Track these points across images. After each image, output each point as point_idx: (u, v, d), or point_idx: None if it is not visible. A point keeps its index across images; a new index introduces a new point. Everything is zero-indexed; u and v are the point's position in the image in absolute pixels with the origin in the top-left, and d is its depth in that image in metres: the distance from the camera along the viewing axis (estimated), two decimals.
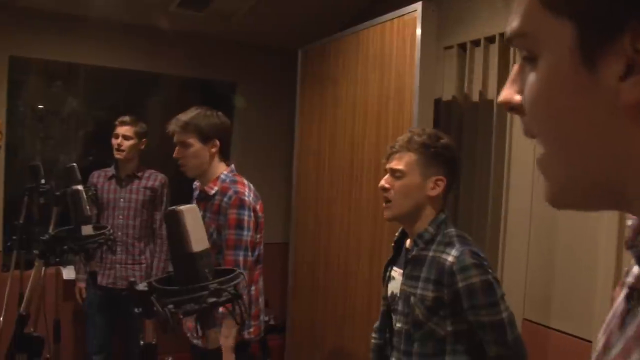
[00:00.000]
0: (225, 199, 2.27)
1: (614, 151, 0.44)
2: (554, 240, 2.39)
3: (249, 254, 2.27)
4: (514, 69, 0.51)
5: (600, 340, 0.53)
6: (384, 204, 1.81)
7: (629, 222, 0.52)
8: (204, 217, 2.28)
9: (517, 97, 0.50)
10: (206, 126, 2.33)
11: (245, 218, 2.25)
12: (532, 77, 0.47)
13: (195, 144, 2.32)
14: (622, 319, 0.49)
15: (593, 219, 2.12)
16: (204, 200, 2.35)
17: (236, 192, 2.27)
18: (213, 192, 2.32)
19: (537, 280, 2.46)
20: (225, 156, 2.42)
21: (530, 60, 0.47)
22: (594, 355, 0.54)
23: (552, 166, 0.48)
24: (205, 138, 2.32)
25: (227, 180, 2.33)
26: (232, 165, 2.43)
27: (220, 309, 2.09)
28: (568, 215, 2.32)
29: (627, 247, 0.51)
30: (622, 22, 0.40)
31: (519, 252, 2.55)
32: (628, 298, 0.49)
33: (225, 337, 2.17)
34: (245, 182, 2.38)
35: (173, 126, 2.34)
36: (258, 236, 2.36)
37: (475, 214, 2.75)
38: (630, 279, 0.50)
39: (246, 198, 2.27)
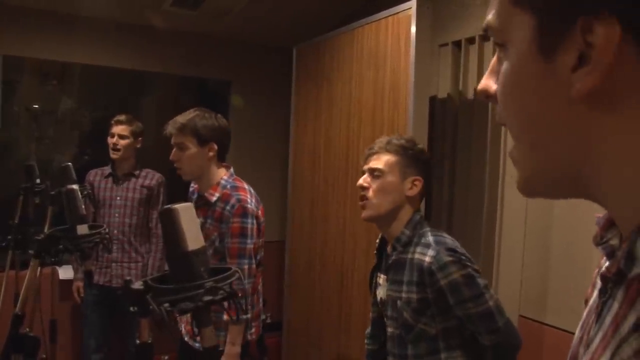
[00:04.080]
0: (228, 207, 2.23)
1: (574, 139, 0.46)
2: (550, 236, 2.40)
3: (253, 261, 2.26)
4: (493, 60, 0.53)
5: (576, 337, 0.55)
6: (360, 203, 1.82)
7: (597, 218, 0.54)
8: (205, 224, 2.27)
9: (494, 87, 0.53)
10: (203, 128, 2.26)
11: (249, 226, 2.23)
12: (503, 67, 0.50)
13: (192, 147, 2.26)
14: (598, 312, 0.50)
15: (588, 215, 2.12)
16: (205, 206, 2.30)
17: (239, 200, 2.23)
18: (214, 199, 2.26)
19: (533, 276, 2.47)
20: (222, 159, 2.37)
21: (502, 51, 0.50)
22: (570, 352, 0.55)
23: (521, 156, 0.51)
24: (202, 141, 2.26)
25: (228, 187, 2.28)
26: (232, 169, 2.38)
27: (225, 317, 2.12)
28: (563, 212, 2.33)
29: (596, 244, 0.53)
30: (573, 16, 0.42)
31: (515, 248, 2.55)
32: (601, 291, 0.51)
33: (232, 344, 2.18)
34: (246, 186, 2.33)
35: (170, 128, 2.28)
36: (260, 240, 2.35)
37: (470, 211, 2.75)
38: (602, 271, 0.51)
39: (249, 206, 2.24)
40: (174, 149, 2.29)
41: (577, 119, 0.45)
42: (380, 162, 1.78)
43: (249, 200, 2.26)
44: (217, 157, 2.32)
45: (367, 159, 1.83)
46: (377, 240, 1.93)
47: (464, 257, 1.68)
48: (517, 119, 0.50)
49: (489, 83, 0.53)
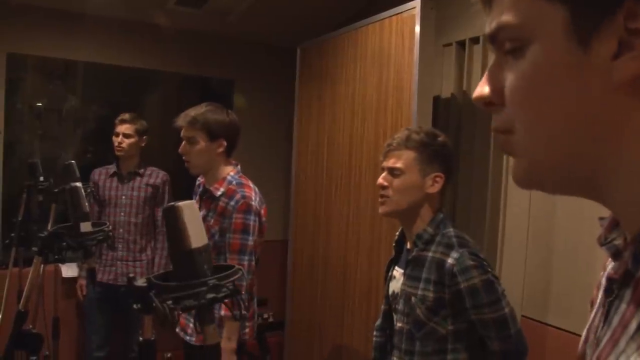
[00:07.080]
0: (232, 203, 2.23)
1: (603, 131, 0.45)
2: (552, 237, 2.40)
3: (253, 258, 2.26)
4: (490, 66, 0.52)
5: (582, 338, 0.55)
6: (379, 200, 1.81)
7: (601, 220, 0.53)
8: (207, 216, 2.27)
9: (490, 93, 0.51)
10: (214, 124, 2.27)
11: (251, 223, 2.23)
12: (520, 66, 0.48)
13: (202, 141, 2.27)
14: (606, 312, 0.50)
15: (591, 215, 2.12)
16: (209, 199, 2.31)
17: (244, 197, 2.23)
18: (219, 193, 2.27)
19: (536, 277, 2.46)
20: (230, 156, 2.37)
21: (516, 51, 0.48)
22: (578, 353, 0.55)
23: (529, 152, 0.49)
24: (212, 136, 2.27)
25: (234, 183, 2.29)
26: (239, 167, 2.39)
27: (223, 312, 2.12)
28: (566, 213, 2.32)
29: (601, 244, 0.53)
30: (616, 3, 0.41)
31: (518, 249, 2.55)
32: (607, 292, 0.50)
33: (228, 339, 2.17)
34: (251, 185, 2.34)
35: (181, 121, 2.28)
36: (260, 239, 2.34)
37: (473, 211, 2.75)
38: (608, 272, 0.50)
39: (253, 203, 2.25)
40: (183, 142, 2.29)
41: (612, 107, 0.44)
42: (399, 160, 1.74)
43: (253, 198, 2.27)
44: (225, 153, 2.32)
45: (385, 156, 1.79)
46: (397, 233, 1.92)
47: (485, 263, 1.68)
48: (539, 115, 0.47)
49: (486, 90, 0.52)
